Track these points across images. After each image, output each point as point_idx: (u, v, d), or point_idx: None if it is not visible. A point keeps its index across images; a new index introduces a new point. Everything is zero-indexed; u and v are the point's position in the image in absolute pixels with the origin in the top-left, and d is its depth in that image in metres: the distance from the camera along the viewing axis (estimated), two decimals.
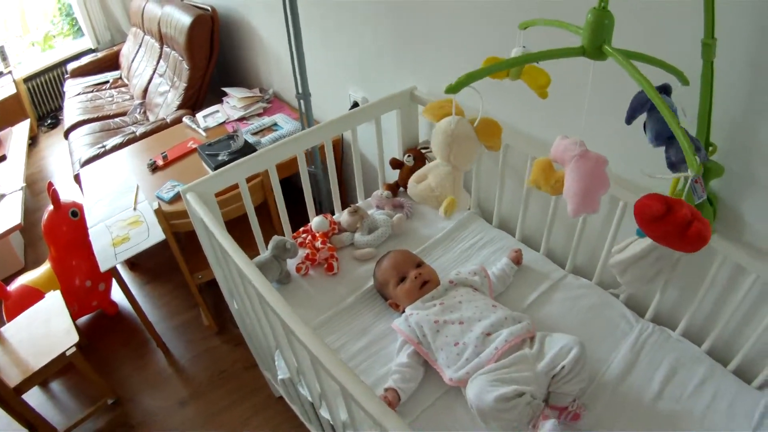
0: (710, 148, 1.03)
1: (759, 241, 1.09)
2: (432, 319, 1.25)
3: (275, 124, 2.53)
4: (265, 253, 1.50)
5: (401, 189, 1.90)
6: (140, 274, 2.63)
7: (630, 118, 0.96)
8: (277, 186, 1.61)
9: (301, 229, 1.70)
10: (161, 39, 3.22)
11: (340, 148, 2.38)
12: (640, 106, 0.95)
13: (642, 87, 0.76)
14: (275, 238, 1.50)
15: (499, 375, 1.10)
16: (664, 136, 0.94)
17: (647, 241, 1.06)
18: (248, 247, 1.37)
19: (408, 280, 1.37)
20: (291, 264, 1.57)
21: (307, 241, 1.62)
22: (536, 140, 1.46)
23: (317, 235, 1.63)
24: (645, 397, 1.17)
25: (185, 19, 2.78)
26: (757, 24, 0.91)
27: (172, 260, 2.04)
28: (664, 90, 0.97)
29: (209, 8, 2.80)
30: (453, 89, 0.82)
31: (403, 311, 1.35)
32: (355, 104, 2.16)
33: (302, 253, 1.58)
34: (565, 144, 0.89)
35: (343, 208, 1.76)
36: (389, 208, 1.77)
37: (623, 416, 1.14)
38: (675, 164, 0.94)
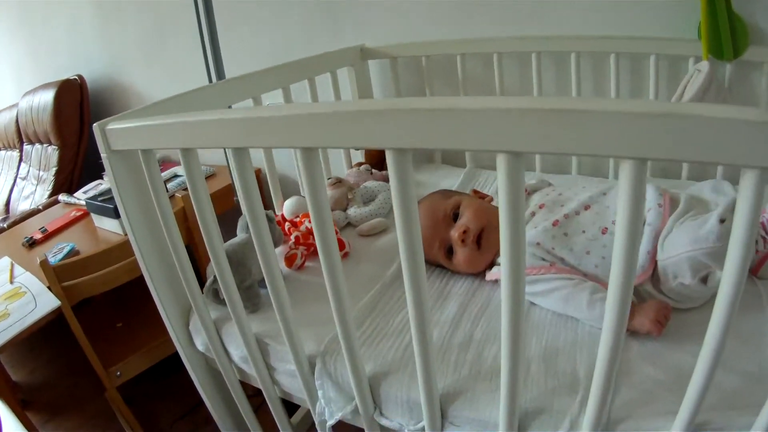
0: None
1: None
2: (549, 224, 0.84)
3: (175, 175, 2.03)
4: (237, 238, 0.99)
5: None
6: (38, 412, 1.83)
7: None
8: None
9: None
10: (20, 139, 2.67)
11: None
12: None
13: None
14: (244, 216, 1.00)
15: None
16: None
17: (701, 76, 1.03)
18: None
19: (457, 248, 0.90)
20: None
21: (287, 229, 1.14)
22: None
23: (296, 220, 1.17)
24: None
25: (48, 94, 2.31)
26: None
27: (72, 382, 1.39)
28: None
29: (77, 77, 2.35)
30: None
31: (488, 268, 0.92)
32: None
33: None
34: None
35: None
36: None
37: None
38: None
